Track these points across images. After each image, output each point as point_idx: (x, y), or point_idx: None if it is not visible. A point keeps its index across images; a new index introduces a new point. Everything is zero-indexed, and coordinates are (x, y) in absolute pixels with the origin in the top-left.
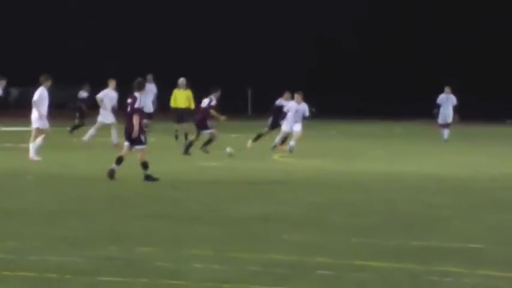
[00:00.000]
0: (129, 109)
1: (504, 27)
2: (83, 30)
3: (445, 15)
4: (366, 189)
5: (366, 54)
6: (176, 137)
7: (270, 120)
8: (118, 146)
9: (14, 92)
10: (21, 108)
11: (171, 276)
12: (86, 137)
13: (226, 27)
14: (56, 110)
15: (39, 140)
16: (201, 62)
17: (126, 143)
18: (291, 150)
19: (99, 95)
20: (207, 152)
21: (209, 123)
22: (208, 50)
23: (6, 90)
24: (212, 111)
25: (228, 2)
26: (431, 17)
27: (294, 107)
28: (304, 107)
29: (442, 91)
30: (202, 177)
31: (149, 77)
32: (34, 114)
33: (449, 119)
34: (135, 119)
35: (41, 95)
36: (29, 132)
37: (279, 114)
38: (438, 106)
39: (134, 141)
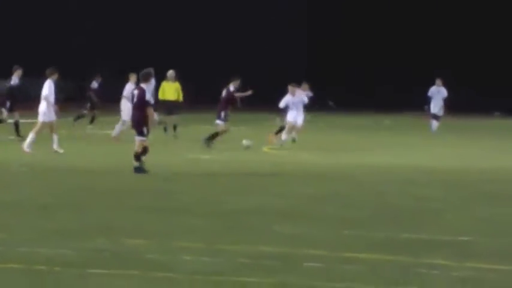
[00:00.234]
0: (135, 100)
1: (495, 18)
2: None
3: (436, 5)
4: (356, 182)
5: (355, 45)
6: (165, 129)
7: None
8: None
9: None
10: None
11: (161, 268)
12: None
13: (216, 20)
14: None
15: (55, 136)
16: (190, 54)
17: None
18: (281, 144)
19: (125, 93)
20: (209, 146)
21: (224, 114)
22: (198, 42)
23: (21, 79)
24: (236, 95)
25: None
26: (422, 6)
27: (290, 100)
28: (302, 97)
29: (432, 83)
30: (193, 169)
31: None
32: (42, 108)
33: (440, 112)
34: (149, 110)
35: (50, 89)
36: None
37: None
38: (429, 99)
39: (136, 132)
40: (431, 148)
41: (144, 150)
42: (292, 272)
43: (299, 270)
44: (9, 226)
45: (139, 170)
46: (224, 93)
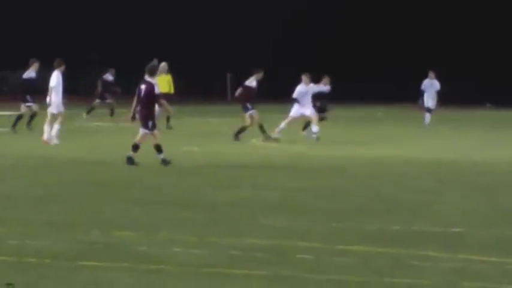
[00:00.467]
0: (143, 95)
1: (486, 10)
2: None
3: None
4: (347, 174)
5: (346, 35)
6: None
7: (318, 106)
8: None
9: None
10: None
11: (151, 260)
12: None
13: (204, 11)
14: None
15: (56, 125)
16: (179, 47)
17: (155, 131)
18: (317, 138)
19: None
20: (238, 140)
21: (249, 104)
22: (186, 34)
23: (38, 72)
24: (239, 90)
25: None
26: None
27: (304, 90)
28: (313, 88)
29: (425, 76)
30: (183, 162)
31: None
32: (50, 99)
33: (433, 105)
34: (163, 102)
35: (58, 80)
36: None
37: (323, 100)
38: (422, 92)
39: (142, 125)
40: (423, 140)
41: (158, 148)
42: (284, 264)
43: (290, 263)
44: (0, 219)
45: (130, 160)
46: (247, 85)
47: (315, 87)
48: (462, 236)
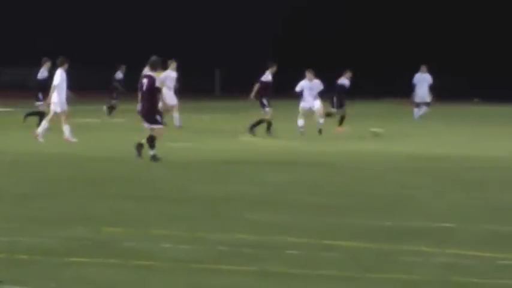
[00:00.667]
0: (145, 89)
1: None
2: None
3: None
4: (336, 169)
5: (339, 30)
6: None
7: (334, 100)
8: (181, 128)
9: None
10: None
11: (140, 256)
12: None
13: (193, 5)
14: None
15: (45, 122)
16: (167, 42)
17: (146, 124)
18: (320, 131)
19: (161, 77)
20: (254, 134)
21: (265, 100)
22: (174, 29)
23: (50, 71)
24: (256, 86)
25: None
26: None
27: (307, 85)
28: (317, 84)
29: (417, 70)
30: (171, 157)
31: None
32: (54, 98)
33: (427, 98)
34: (160, 96)
35: (62, 78)
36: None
37: (342, 94)
38: (414, 86)
39: (150, 120)
40: (413, 135)
41: (152, 141)
42: (272, 260)
43: (278, 258)
44: None
45: (139, 152)
46: (264, 80)
47: (319, 85)
48: (452, 231)
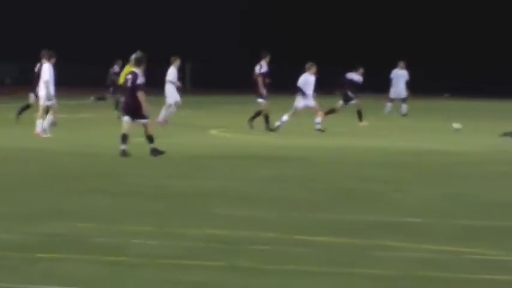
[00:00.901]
0: (129, 84)
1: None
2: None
3: None
4: (308, 164)
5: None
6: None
7: (345, 94)
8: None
9: None
10: None
11: (110, 252)
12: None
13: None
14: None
15: (50, 117)
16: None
17: (126, 118)
18: (319, 129)
19: (169, 78)
20: (251, 127)
21: (263, 91)
22: (143, 23)
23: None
24: (258, 79)
25: None
26: None
27: (309, 79)
28: (313, 79)
29: (394, 66)
30: (143, 152)
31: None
32: (43, 92)
33: (404, 94)
34: (140, 95)
35: (50, 73)
36: None
37: (350, 89)
38: (391, 81)
39: (136, 116)
40: (386, 130)
41: (124, 138)
42: (242, 255)
43: (246, 253)
44: None
45: (155, 151)
46: (256, 70)
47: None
48: (426, 226)
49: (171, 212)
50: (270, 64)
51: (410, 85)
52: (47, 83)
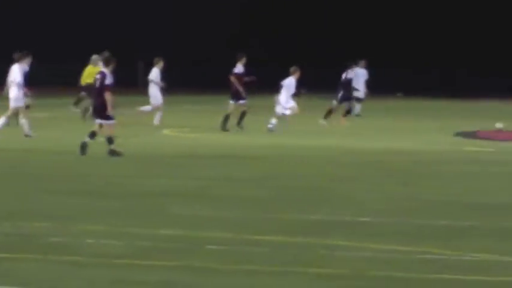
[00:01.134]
0: (98, 85)
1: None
2: None
3: None
4: (271, 163)
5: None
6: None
7: (340, 94)
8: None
9: None
10: None
11: (64, 251)
12: (156, 121)
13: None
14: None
15: (3, 118)
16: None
17: (98, 120)
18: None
19: (152, 78)
20: (242, 128)
21: (242, 92)
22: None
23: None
24: (232, 79)
25: None
26: None
27: (292, 83)
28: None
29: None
30: (102, 151)
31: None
32: (12, 93)
33: (361, 94)
34: (107, 95)
35: (21, 74)
36: None
37: (348, 88)
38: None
39: (102, 117)
40: (346, 130)
41: (93, 134)
42: (196, 255)
43: (200, 253)
44: None
45: (113, 152)
46: (237, 71)
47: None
48: (379, 225)
49: (127, 212)
50: (245, 66)
51: (368, 84)
52: (16, 84)
